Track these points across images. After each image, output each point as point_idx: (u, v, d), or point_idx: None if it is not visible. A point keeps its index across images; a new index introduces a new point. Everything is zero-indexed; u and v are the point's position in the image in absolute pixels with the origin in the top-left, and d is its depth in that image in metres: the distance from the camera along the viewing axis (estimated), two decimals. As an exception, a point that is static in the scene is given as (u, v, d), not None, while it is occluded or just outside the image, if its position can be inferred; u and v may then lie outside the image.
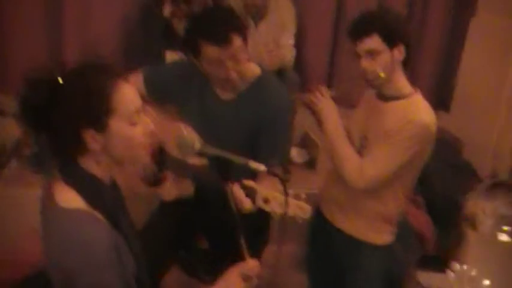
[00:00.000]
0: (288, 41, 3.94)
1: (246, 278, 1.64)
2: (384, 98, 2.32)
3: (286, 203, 1.83)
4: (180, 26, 3.63)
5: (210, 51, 2.20)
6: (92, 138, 1.47)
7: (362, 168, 2.24)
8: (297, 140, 4.08)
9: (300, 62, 4.06)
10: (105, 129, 1.47)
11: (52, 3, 3.64)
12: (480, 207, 2.01)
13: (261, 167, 1.73)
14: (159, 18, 3.66)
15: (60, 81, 1.46)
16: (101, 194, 1.53)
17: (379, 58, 2.21)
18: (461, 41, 4.53)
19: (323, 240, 2.59)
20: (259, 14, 3.81)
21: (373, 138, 2.32)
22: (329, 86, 4.04)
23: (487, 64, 4.24)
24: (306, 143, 4.10)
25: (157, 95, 2.45)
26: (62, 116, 1.45)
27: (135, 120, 1.52)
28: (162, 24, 3.65)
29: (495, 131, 4.12)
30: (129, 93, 1.52)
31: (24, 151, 2.39)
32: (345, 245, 2.46)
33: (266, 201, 1.91)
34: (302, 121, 2.62)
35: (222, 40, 2.18)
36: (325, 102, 2.34)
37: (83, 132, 1.46)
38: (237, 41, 2.21)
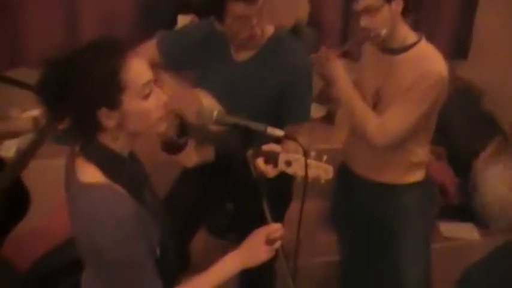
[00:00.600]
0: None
1: (269, 241, 1.67)
2: (391, 51, 2.33)
3: (306, 165, 1.84)
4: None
5: (238, 8, 2.17)
6: (106, 116, 1.49)
7: (383, 126, 2.27)
8: (314, 94, 4.09)
9: (315, 18, 4.00)
10: (118, 106, 1.48)
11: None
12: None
13: (279, 132, 1.74)
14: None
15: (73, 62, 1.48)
16: (120, 168, 1.55)
17: (378, 14, 2.22)
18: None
19: (352, 194, 2.63)
20: None
21: (387, 93, 2.35)
22: (344, 41, 4.06)
23: (505, 11, 4.17)
24: (322, 97, 4.10)
25: (173, 61, 2.46)
26: (76, 97, 1.46)
27: (147, 93, 1.53)
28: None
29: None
30: (138, 67, 1.52)
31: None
32: (380, 193, 2.51)
33: (288, 163, 1.92)
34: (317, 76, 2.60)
35: None
36: (330, 64, 2.37)
37: (97, 111, 1.48)
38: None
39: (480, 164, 3.53)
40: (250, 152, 1.76)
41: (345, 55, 2.53)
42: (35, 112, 3.26)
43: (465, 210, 3.67)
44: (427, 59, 2.25)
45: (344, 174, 2.54)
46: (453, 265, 2.46)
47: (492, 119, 4.15)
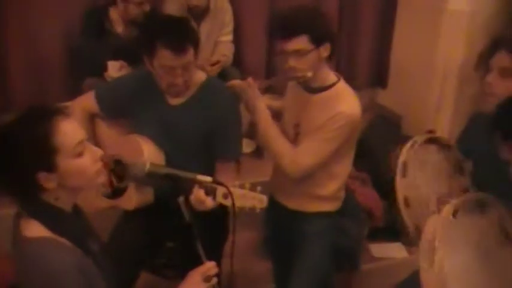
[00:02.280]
0: (227, 37, 4.08)
1: (206, 279, 1.79)
2: (310, 89, 2.43)
3: (233, 200, 1.96)
4: (124, 32, 3.73)
5: (165, 55, 2.30)
6: (45, 179, 1.56)
7: (295, 160, 2.37)
8: (244, 130, 4.23)
9: (238, 58, 4.19)
10: (55, 168, 1.56)
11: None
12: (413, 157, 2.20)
13: (208, 179, 1.89)
14: (100, 27, 3.72)
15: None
16: (64, 223, 1.62)
17: (307, 57, 2.29)
18: (392, 19, 4.73)
19: (276, 222, 2.72)
20: (201, 15, 3.91)
21: (304, 128, 2.45)
22: (268, 78, 4.19)
23: (418, 39, 4.42)
24: (252, 132, 4.25)
25: (112, 111, 2.57)
26: (13, 165, 1.54)
27: (81, 152, 1.61)
28: (104, 34, 3.71)
29: (432, 104, 4.31)
30: (68, 128, 1.59)
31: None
32: (292, 219, 2.59)
33: (226, 196, 2.01)
34: (245, 112, 2.67)
35: (179, 49, 2.29)
36: (250, 93, 2.44)
37: (36, 175, 1.55)
38: (191, 52, 2.33)
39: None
40: (181, 198, 1.86)
41: (269, 90, 2.65)
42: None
43: (392, 230, 3.86)
44: (341, 100, 2.36)
45: (270, 203, 2.63)
46: (385, 284, 2.60)
47: (411, 142, 4.36)
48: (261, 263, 3.23)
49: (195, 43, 2.37)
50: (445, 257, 1.74)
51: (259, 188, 2.07)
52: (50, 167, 1.56)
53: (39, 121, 1.57)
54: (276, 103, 2.66)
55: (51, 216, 1.61)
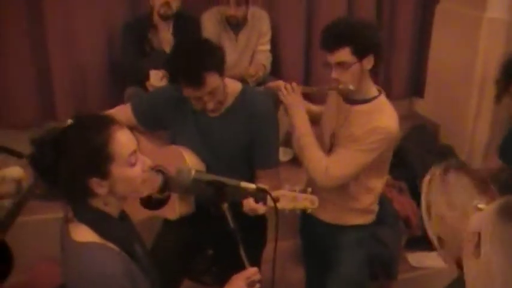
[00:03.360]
0: (265, 47, 4.11)
1: (250, 284, 1.82)
2: (351, 101, 2.45)
3: (276, 208, 2.03)
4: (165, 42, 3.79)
5: (187, 90, 2.35)
6: (97, 185, 1.63)
7: (327, 169, 2.37)
8: (281, 138, 4.27)
9: (276, 67, 4.22)
10: (108, 176, 1.63)
11: (35, 30, 3.74)
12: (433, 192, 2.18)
13: (252, 186, 1.93)
14: (142, 42, 3.80)
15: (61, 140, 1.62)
16: (112, 228, 1.68)
17: (350, 70, 2.31)
18: (429, 29, 4.70)
19: (310, 233, 2.76)
20: (239, 25, 3.96)
21: (340, 138, 2.46)
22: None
23: (456, 48, 4.40)
24: (289, 141, 4.29)
25: (149, 122, 2.60)
26: (68, 171, 1.60)
27: (133, 161, 1.67)
28: (147, 50, 3.79)
29: (470, 113, 4.27)
30: (123, 138, 1.66)
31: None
32: (326, 231, 2.62)
33: (276, 200, 2.06)
34: (284, 120, 2.75)
35: (197, 82, 2.29)
36: (293, 97, 2.45)
37: (88, 181, 1.61)
38: (212, 78, 2.31)
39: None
40: (225, 205, 1.91)
41: (308, 97, 2.66)
42: (15, 172, 3.34)
43: (429, 239, 3.83)
44: (381, 114, 2.37)
45: (304, 214, 2.64)
46: None
47: (449, 151, 4.33)
48: (297, 270, 3.24)
49: (218, 67, 2.34)
50: (493, 253, 1.70)
51: (309, 190, 2.11)
52: (104, 174, 1.62)
53: (97, 129, 1.63)
54: (316, 108, 2.68)
55: (100, 221, 1.67)
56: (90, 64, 3.93)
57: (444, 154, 4.29)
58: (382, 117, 2.37)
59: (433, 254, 3.82)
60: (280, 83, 2.51)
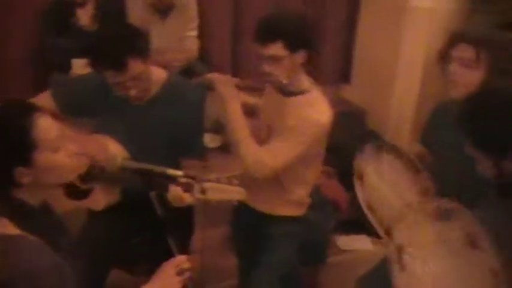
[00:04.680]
0: (193, 33, 4.06)
1: (179, 272, 1.79)
2: (285, 92, 2.45)
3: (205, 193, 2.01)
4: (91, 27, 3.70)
5: (109, 75, 2.29)
6: (21, 174, 1.56)
7: (260, 159, 2.37)
8: (209, 125, 4.24)
9: (204, 53, 4.18)
10: (32, 164, 1.57)
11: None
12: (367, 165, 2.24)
13: (179, 173, 1.90)
14: (66, 23, 3.68)
15: None
16: (33, 220, 1.61)
17: (282, 63, 2.30)
18: (356, 16, 4.80)
19: (242, 221, 2.76)
20: (166, 9, 3.90)
21: (275, 130, 2.46)
22: (234, 73, 4.22)
23: (382, 35, 4.50)
24: (217, 128, 4.28)
25: (72, 110, 2.52)
26: None
27: (57, 147, 1.62)
28: (70, 30, 3.68)
29: (396, 100, 4.39)
30: (46, 124, 1.60)
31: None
32: (259, 221, 2.62)
33: (203, 191, 2.03)
34: (212, 107, 2.70)
35: (118, 66, 2.24)
36: (228, 90, 2.41)
37: (12, 170, 1.55)
38: (135, 63, 2.27)
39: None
40: (153, 193, 1.88)
41: (245, 89, 2.60)
42: None
43: (357, 222, 3.91)
44: (314, 107, 2.38)
45: (237, 203, 2.65)
46: (351, 275, 2.61)
47: (376, 137, 4.42)
48: (228, 258, 3.24)
49: (141, 52, 2.30)
50: (417, 262, 1.76)
51: (235, 181, 2.09)
52: (27, 162, 1.57)
53: (17, 116, 1.58)
54: (252, 100, 2.67)
55: (20, 214, 1.60)
56: (12, 51, 3.80)
57: (371, 140, 4.37)
58: (315, 109, 2.38)
59: (362, 236, 3.92)
60: (217, 76, 2.47)
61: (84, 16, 3.71)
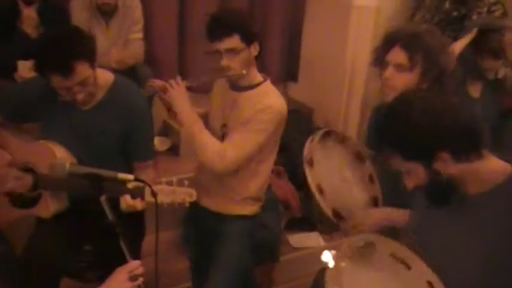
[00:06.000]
0: (138, 35, 4.03)
1: (131, 278, 1.77)
2: (238, 88, 2.50)
3: (156, 196, 2.01)
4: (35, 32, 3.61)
5: (55, 80, 2.23)
6: None
7: (221, 153, 2.38)
8: (158, 128, 4.23)
9: (150, 55, 4.17)
10: None
11: None
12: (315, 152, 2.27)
13: (130, 177, 1.87)
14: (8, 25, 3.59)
15: None
16: None
17: (239, 56, 2.38)
18: (302, 15, 4.85)
19: (196, 221, 2.75)
20: (110, 12, 3.86)
21: (231, 126, 2.49)
22: (181, 75, 4.22)
23: (327, 34, 4.57)
24: (166, 130, 4.26)
25: (15, 116, 2.48)
26: None
27: None
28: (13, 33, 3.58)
29: (342, 97, 4.45)
30: None
31: None
32: (212, 220, 2.63)
33: (154, 195, 2.02)
34: (160, 110, 2.74)
35: (65, 71, 2.19)
36: (177, 91, 2.44)
37: None
38: (82, 68, 2.23)
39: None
40: (103, 197, 1.85)
41: (191, 89, 2.61)
42: None
43: (308, 220, 3.96)
44: (268, 96, 2.44)
45: (191, 203, 2.66)
46: (305, 272, 2.68)
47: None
48: (180, 261, 3.22)
49: (88, 56, 2.27)
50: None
51: (186, 183, 2.09)
52: None
53: None
54: (201, 110, 2.67)
55: None
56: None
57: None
58: (270, 98, 2.45)
59: (313, 234, 3.96)
60: (158, 83, 2.49)
61: (28, 20, 3.62)
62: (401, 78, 2.27)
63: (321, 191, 2.19)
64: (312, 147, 2.27)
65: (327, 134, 2.38)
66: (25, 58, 3.40)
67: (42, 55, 2.25)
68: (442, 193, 1.80)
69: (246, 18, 2.46)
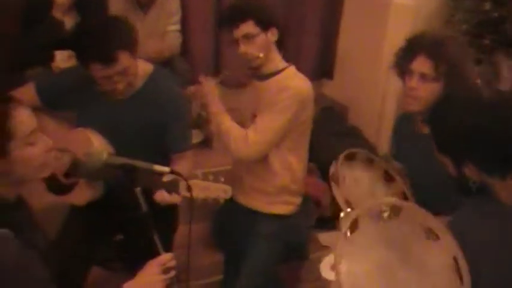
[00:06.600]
0: (175, 27, 4.02)
1: (164, 271, 1.78)
2: (263, 77, 2.53)
3: (191, 190, 2.01)
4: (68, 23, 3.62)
5: (96, 68, 2.25)
6: None
7: (244, 137, 2.43)
8: (191, 121, 4.22)
9: (186, 48, 4.16)
10: (5, 154, 1.55)
11: None
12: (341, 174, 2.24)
13: (166, 169, 1.87)
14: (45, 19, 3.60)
15: None
16: (5, 214, 1.59)
17: (255, 41, 2.43)
18: (339, 12, 4.78)
19: (229, 217, 2.77)
20: (148, 3, 3.85)
21: (259, 114, 2.51)
22: (216, 69, 4.22)
23: (365, 31, 4.49)
24: (199, 123, 4.26)
25: (54, 103, 2.49)
26: None
27: (33, 141, 1.61)
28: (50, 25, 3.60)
29: (377, 96, 4.38)
30: (23, 116, 1.60)
31: None
32: (245, 217, 2.64)
33: (189, 189, 2.03)
34: (193, 102, 2.83)
35: (107, 59, 2.22)
36: (207, 88, 2.53)
37: None
38: (125, 57, 2.26)
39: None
40: (138, 189, 1.85)
41: (220, 83, 2.67)
42: None
43: (339, 219, 3.92)
44: (290, 78, 2.49)
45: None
46: None
47: (357, 133, 4.46)
48: (210, 254, 3.23)
49: (130, 46, 2.30)
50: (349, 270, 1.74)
51: (222, 179, 2.09)
52: (1, 152, 1.55)
53: None
54: (235, 106, 2.70)
55: None
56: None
57: (352, 136, 4.40)
58: (293, 80, 2.49)
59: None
60: (195, 90, 2.61)
61: (59, 5, 3.63)
62: (426, 88, 2.22)
63: (349, 205, 2.15)
64: (336, 169, 2.22)
65: (353, 155, 2.33)
66: (62, 48, 3.42)
67: (86, 43, 2.27)
68: (472, 194, 1.78)
69: (260, 3, 2.52)
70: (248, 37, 2.43)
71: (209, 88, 2.53)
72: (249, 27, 2.43)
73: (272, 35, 2.48)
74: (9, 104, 1.58)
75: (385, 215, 1.82)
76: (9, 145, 1.55)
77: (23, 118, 1.59)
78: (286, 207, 2.64)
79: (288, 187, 2.61)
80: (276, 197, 2.60)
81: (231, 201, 2.50)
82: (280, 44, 2.54)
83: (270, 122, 2.43)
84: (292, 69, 2.55)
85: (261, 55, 2.46)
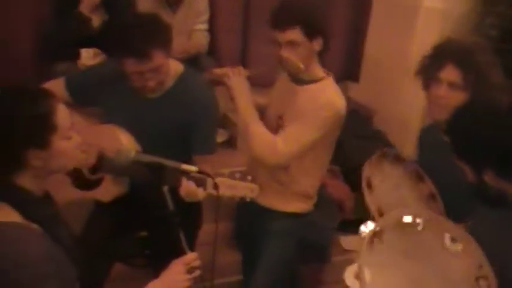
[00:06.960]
0: (203, 26, 4.04)
1: (189, 270, 1.79)
2: (299, 81, 2.46)
3: (218, 190, 2.02)
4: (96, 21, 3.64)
5: (130, 63, 2.27)
6: (35, 157, 1.58)
7: (274, 145, 2.35)
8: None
9: (213, 47, 4.16)
10: (48, 147, 1.59)
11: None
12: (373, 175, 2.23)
13: (194, 168, 1.88)
14: (72, 14, 3.63)
15: None
16: (35, 208, 1.62)
17: (299, 49, 2.33)
18: (367, 14, 4.74)
19: (246, 216, 2.75)
20: (176, 3, 3.87)
21: (287, 118, 2.46)
22: (243, 67, 4.24)
23: (393, 34, 4.45)
24: (224, 122, 4.27)
25: (82, 99, 2.51)
26: (3, 141, 1.56)
27: (70, 135, 1.66)
28: (77, 21, 3.62)
29: (404, 100, 4.34)
30: (64, 110, 1.65)
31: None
32: (261, 216, 2.61)
33: (215, 187, 2.04)
34: (219, 101, 2.75)
35: (143, 56, 2.23)
36: (237, 79, 2.44)
37: (26, 153, 1.57)
38: (159, 56, 2.27)
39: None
40: (165, 187, 1.86)
41: (251, 81, 2.61)
42: None
43: (362, 223, 3.90)
44: (328, 93, 2.39)
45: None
46: None
47: (382, 137, 4.42)
48: (230, 253, 3.23)
49: (164, 44, 2.31)
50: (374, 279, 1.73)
51: (249, 178, 2.10)
52: (44, 144, 1.59)
53: (40, 99, 1.61)
54: (262, 100, 2.65)
55: (23, 201, 1.61)
56: (15, 38, 3.71)
57: (376, 140, 4.37)
58: (330, 95, 2.40)
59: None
60: (227, 70, 2.48)
61: (90, 5, 3.65)
62: (454, 97, 2.19)
63: (381, 213, 2.15)
64: (368, 170, 2.22)
65: (384, 155, 2.34)
66: (88, 45, 3.46)
67: (122, 37, 2.28)
68: (490, 200, 1.79)
69: (312, 10, 2.37)
70: (292, 44, 2.32)
71: (239, 79, 2.44)
72: (295, 34, 2.31)
73: (317, 45, 2.36)
74: (52, 98, 1.63)
75: (409, 223, 1.83)
76: (53, 138, 1.60)
77: (64, 113, 1.65)
78: (300, 205, 2.62)
79: (306, 191, 2.60)
80: (291, 196, 2.58)
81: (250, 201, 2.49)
82: (323, 53, 2.43)
83: (302, 135, 2.35)
84: (329, 80, 2.47)
85: (302, 66, 2.36)
